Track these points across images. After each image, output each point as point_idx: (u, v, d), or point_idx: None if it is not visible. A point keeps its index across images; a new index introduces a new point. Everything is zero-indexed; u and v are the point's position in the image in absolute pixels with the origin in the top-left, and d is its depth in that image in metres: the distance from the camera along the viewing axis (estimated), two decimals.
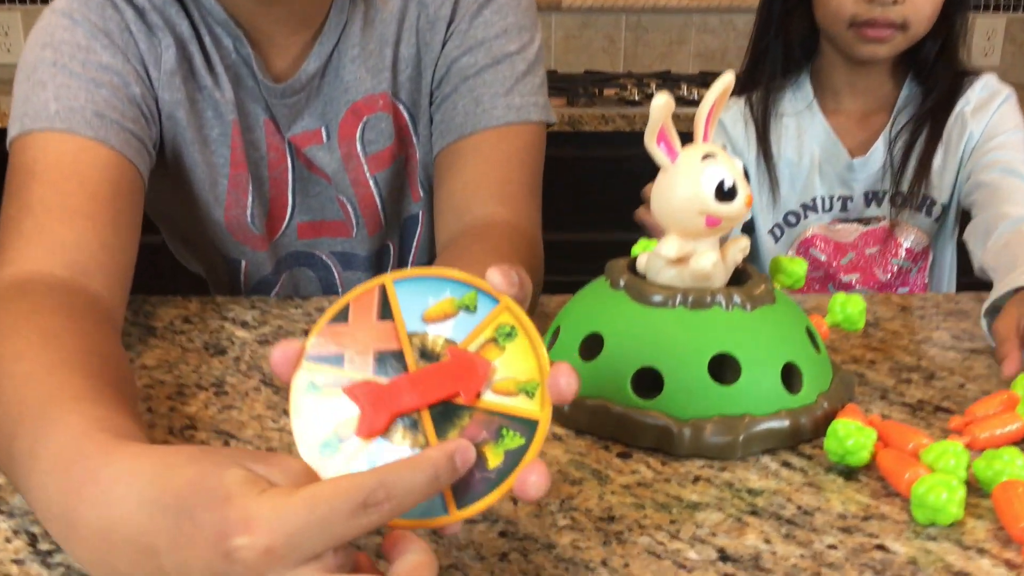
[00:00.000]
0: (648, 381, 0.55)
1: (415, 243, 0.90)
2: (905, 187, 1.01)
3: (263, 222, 0.83)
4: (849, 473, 0.52)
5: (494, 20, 0.79)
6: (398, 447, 0.39)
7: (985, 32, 2.45)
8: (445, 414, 0.39)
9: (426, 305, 0.42)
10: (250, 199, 0.80)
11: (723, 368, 0.55)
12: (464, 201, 0.75)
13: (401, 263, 0.91)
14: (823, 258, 1.06)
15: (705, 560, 0.44)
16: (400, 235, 0.89)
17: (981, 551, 0.45)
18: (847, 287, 1.06)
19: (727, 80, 0.60)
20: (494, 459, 0.38)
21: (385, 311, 0.42)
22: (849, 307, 0.64)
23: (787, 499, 0.49)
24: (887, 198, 1.04)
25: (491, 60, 0.78)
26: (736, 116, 1.08)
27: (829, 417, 0.54)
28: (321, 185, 0.84)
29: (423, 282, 0.42)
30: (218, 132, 0.78)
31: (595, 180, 1.90)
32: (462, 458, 0.37)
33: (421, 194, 0.87)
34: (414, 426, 0.39)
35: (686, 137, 0.57)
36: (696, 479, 0.51)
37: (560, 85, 2.07)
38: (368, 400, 0.39)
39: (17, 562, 0.44)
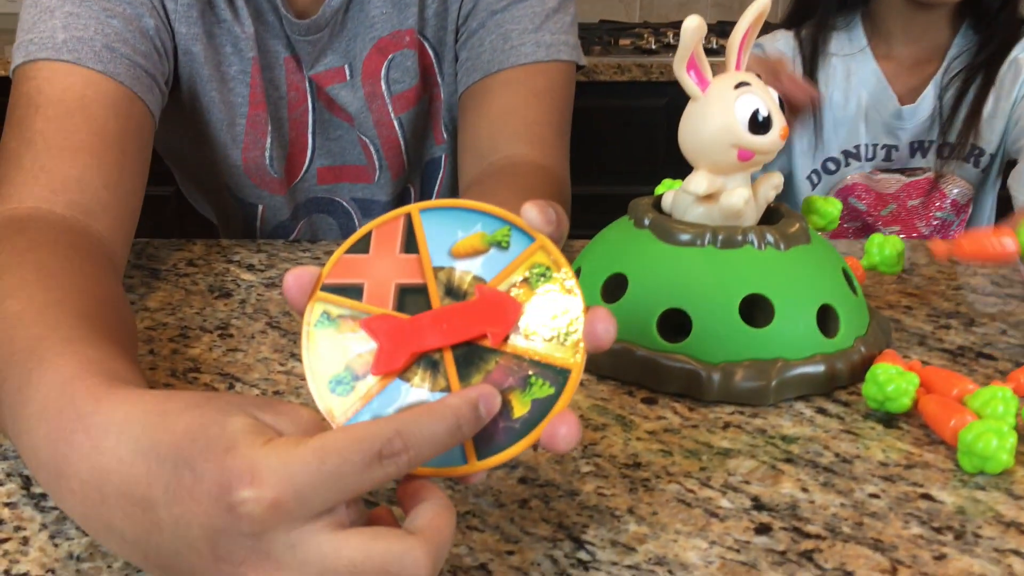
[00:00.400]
0: (674, 324, 0.52)
1: (437, 187, 0.87)
2: (953, 137, 0.97)
3: (282, 165, 0.80)
4: (889, 420, 0.49)
5: None
6: (417, 389, 0.36)
7: None
8: (469, 357, 0.36)
9: (455, 239, 0.38)
10: (269, 140, 0.77)
11: (754, 310, 0.51)
12: (490, 140, 0.72)
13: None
14: (863, 208, 1.03)
15: (738, 508, 0.41)
16: (421, 179, 0.86)
17: None
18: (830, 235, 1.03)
19: (762, 4, 0.56)
20: (520, 408, 0.35)
21: (410, 243, 0.38)
22: (887, 248, 0.61)
23: (824, 446, 0.46)
24: (933, 148, 0.99)
25: None
26: (784, 48, 1.03)
27: (867, 363, 0.51)
28: (343, 128, 0.81)
29: (453, 214, 0.39)
30: (237, 69, 0.74)
31: (611, 131, 1.86)
32: (487, 407, 0.34)
33: (445, 136, 0.84)
34: (435, 367, 0.36)
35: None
36: (726, 425, 0.48)
37: None
38: (387, 335, 0.36)
39: (9, 505, 0.41)
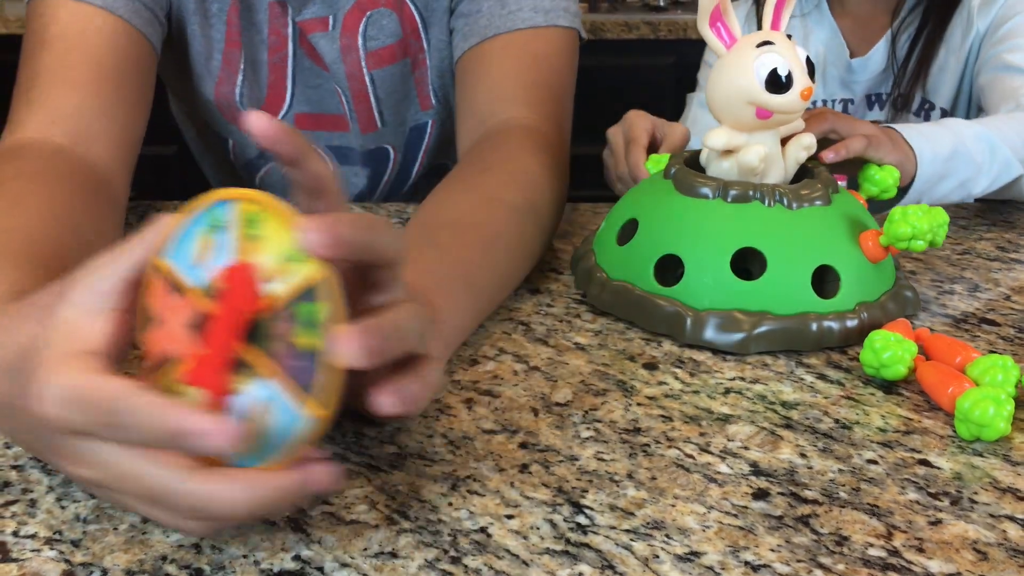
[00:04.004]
0: (676, 270, 0.53)
1: (422, 152, 0.87)
2: (904, 88, 0.97)
3: (254, 105, 0.82)
4: (889, 387, 0.49)
5: None
6: (247, 391, 0.34)
7: None
8: (257, 333, 0.34)
9: (191, 254, 0.36)
10: (240, 78, 0.80)
11: (754, 265, 0.52)
12: (488, 105, 0.72)
13: (404, 170, 0.89)
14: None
15: (737, 474, 0.42)
16: (405, 143, 0.87)
17: None
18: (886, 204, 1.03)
19: None
20: (309, 341, 0.33)
21: (172, 286, 0.36)
22: (880, 175, 0.62)
23: (824, 412, 0.47)
24: (889, 101, 0.99)
25: None
26: (741, 17, 1.04)
27: (868, 328, 0.51)
28: (323, 77, 0.82)
29: (178, 236, 0.36)
30: (217, 7, 0.77)
31: (618, 90, 1.84)
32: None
33: (433, 103, 0.84)
34: (244, 366, 0.34)
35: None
36: (727, 391, 0.49)
37: None
38: (200, 382, 0.34)
39: (16, 468, 0.42)
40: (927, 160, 0.70)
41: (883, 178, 0.64)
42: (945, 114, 0.99)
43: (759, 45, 0.54)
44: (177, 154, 1.87)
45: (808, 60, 0.55)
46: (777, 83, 0.53)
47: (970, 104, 1.00)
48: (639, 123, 0.73)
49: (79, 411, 0.33)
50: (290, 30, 0.79)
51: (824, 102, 1.03)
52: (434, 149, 0.88)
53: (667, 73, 1.76)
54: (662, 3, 1.86)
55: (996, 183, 0.74)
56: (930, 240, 0.53)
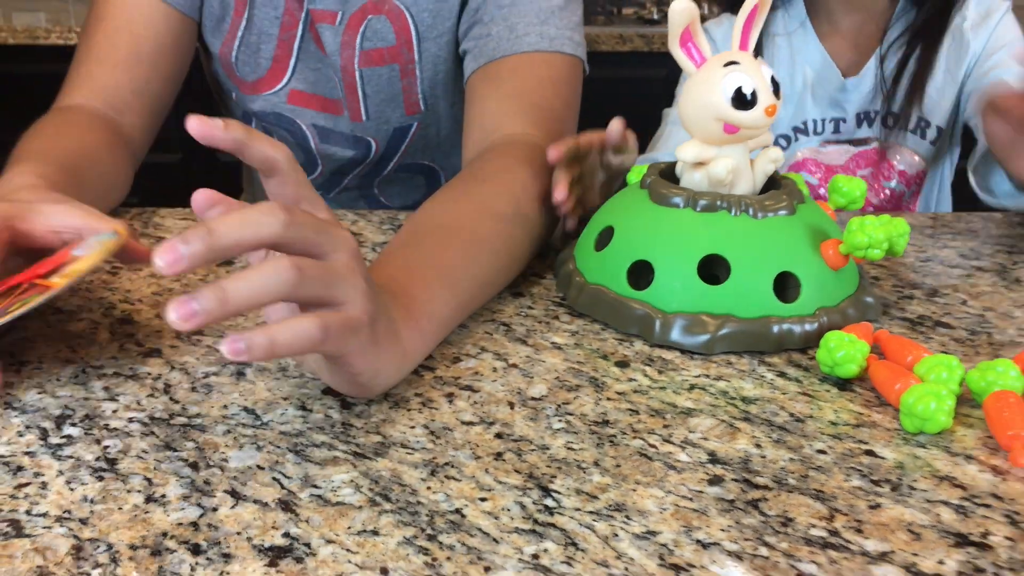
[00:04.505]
0: (648, 275, 0.57)
1: (400, 151, 0.96)
2: (897, 107, 0.99)
3: (250, 69, 0.92)
4: (843, 384, 0.52)
5: None
6: None
7: None
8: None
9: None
10: (237, 43, 0.91)
11: (720, 270, 0.55)
12: (493, 121, 0.77)
13: (382, 162, 0.97)
14: (815, 182, 1.05)
15: (695, 462, 0.45)
16: (387, 140, 0.94)
17: (969, 458, 0.45)
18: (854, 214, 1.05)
19: None
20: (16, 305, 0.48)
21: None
22: (847, 186, 0.65)
23: (780, 407, 0.50)
24: (879, 119, 1.02)
25: None
26: (725, 35, 1.06)
27: (828, 331, 0.55)
28: (324, 63, 0.90)
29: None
30: None
31: (613, 102, 1.88)
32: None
33: (421, 108, 0.91)
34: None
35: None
36: (692, 387, 0.52)
37: None
38: None
39: (29, 454, 0.45)
40: None
41: (851, 190, 0.67)
42: (941, 132, 1.02)
43: (726, 64, 0.58)
44: (181, 161, 1.91)
45: (773, 79, 0.58)
46: (743, 100, 0.57)
47: (958, 121, 1.03)
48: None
49: None
50: (303, 15, 0.88)
51: (816, 121, 1.05)
52: (413, 149, 0.95)
53: (660, 85, 1.80)
54: (655, 16, 1.90)
55: None
56: (887, 249, 0.56)
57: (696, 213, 0.57)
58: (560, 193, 0.64)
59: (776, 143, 1.06)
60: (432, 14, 0.86)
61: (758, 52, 1.03)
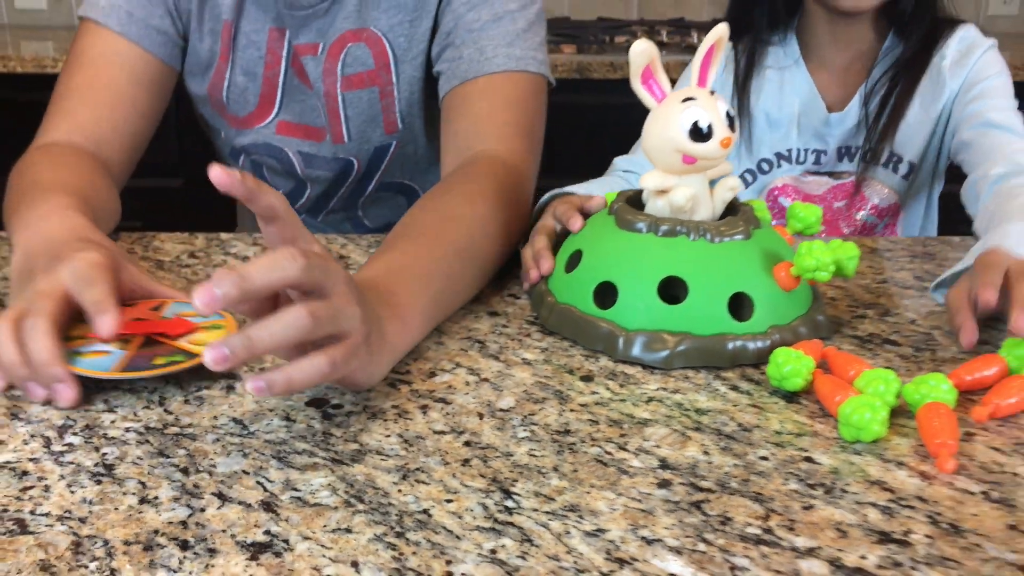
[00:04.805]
0: (613, 295, 0.61)
1: (382, 167, 1.02)
2: (874, 142, 1.02)
3: (240, 106, 0.98)
4: (791, 397, 0.56)
5: None
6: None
7: None
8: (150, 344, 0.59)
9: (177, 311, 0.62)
10: (226, 84, 0.96)
11: (680, 291, 0.59)
12: (466, 140, 0.84)
13: (364, 180, 1.03)
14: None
15: (646, 467, 0.49)
16: (369, 159, 1.00)
17: (900, 464, 0.49)
18: (809, 238, 1.08)
19: (720, 32, 0.64)
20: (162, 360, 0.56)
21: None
22: (803, 212, 0.69)
23: (731, 418, 0.54)
24: (859, 154, 1.05)
25: (493, 16, 0.87)
26: (719, 60, 1.09)
27: (779, 347, 0.59)
28: (307, 94, 0.96)
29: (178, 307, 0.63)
30: (210, 27, 0.94)
31: (604, 127, 1.92)
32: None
33: (399, 127, 0.97)
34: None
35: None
36: (650, 400, 0.56)
37: (572, 32, 2.08)
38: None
39: (33, 460, 0.49)
40: None
41: (807, 216, 0.71)
42: (913, 167, 1.05)
43: (684, 100, 0.62)
44: (183, 187, 1.96)
45: (728, 113, 0.62)
46: (699, 133, 0.61)
47: (939, 157, 1.06)
48: (548, 215, 0.77)
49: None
50: (285, 52, 0.94)
51: (799, 151, 1.09)
52: (393, 167, 1.02)
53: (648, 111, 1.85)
54: None
55: None
56: (834, 271, 0.60)
57: (657, 238, 0.61)
58: (546, 268, 0.69)
59: (759, 166, 1.10)
60: (407, 38, 0.93)
61: (747, 81, 1.08)
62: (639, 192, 0.68)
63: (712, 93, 0.64)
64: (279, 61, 0.95)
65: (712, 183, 0.65)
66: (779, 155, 1.08)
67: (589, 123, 1.86)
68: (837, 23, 1.04)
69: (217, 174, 0.46)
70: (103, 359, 0.56)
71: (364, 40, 0.93)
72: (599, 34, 2.07)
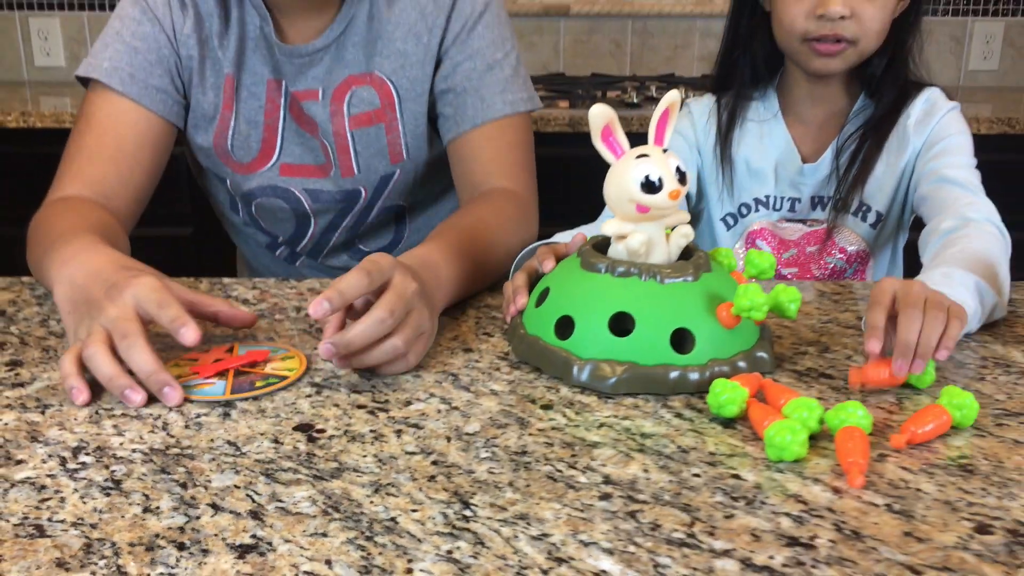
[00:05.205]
0: (572, 328, 0.68)
1: (385, 193, 1.12)
2: (844, 192, 1.09)
3: (244, 153, 1.06)
4: (728, 423, 0.63)
5: (485, 33, 1.02)
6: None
7: (984, 36, 2.52)
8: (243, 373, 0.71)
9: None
10: (231, 133, 1.05)
11: (630, 326, 0.66)
12: (479, 178, 1.02)
13: (370, 208, 1.13)
14: (768, 250, 1.16)
15: (591, 483, 0.55)
16: (374, 187, 1.10)
17: (816, 480, 0.55)
18: (784, 279, 1.15)
19: (671, 98, 0.72)
20: (260, 383, 0.69)
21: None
22: (758, 259, 0.75)
23: (671, 440, 0.60)
24: (831, 203, 1.12)
25: (486, 66, 1.02)
26: (703, 111, 1.17)
27: (717, 378, 0.65)
28: (305, 137, 1.06)
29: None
30: (212, 81, 1.02)
31: (596, 179, 2.00)
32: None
33: (404, 157, 1.08)
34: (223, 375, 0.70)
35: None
36: (601, 425, 0.62)
37: (566, 88, 2.17)
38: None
39: (50, 476, 0.56)
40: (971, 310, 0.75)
41: (760, 263, 0.77)
42: (880, 217, 1.12)
43: (638, 156, 0.69)
44: (192, 235, 2.04)
45: (679, 169, 0.70)
46: (650, 186, 0.68)
47: (903, 209, 1.13)
48: (533, 259, 0.84)
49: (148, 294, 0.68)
50: (283, 100, 1.04)
51: (775, 198, 1.16)
52: (395, 192, 1.12)
53: None
54: (635, 100, 2.04)
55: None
56: (766, 311, 0.66)
57: (613, 278, 0.68)
58: (520, 303, 0.78)
59: (739, 210, 1.17)
60: (410, 80, 1.04)
61: (729, 132, 1.15)
62: (607, 239, 0.75)
63: (665, 151, 0.71)
64: (278, 109, 1.04)
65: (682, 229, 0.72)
66: (757, 201, 1.16)
67: (581, 174, 1.93)
68: (813, 83, 1.12)
69: (315, 309, 0.65)
70: (213, 388, 0.67)
71: (369, 83, 1.03)
72: (592, 89, 2.16)
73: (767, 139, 1.15)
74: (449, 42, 1.03)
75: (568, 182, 1.97)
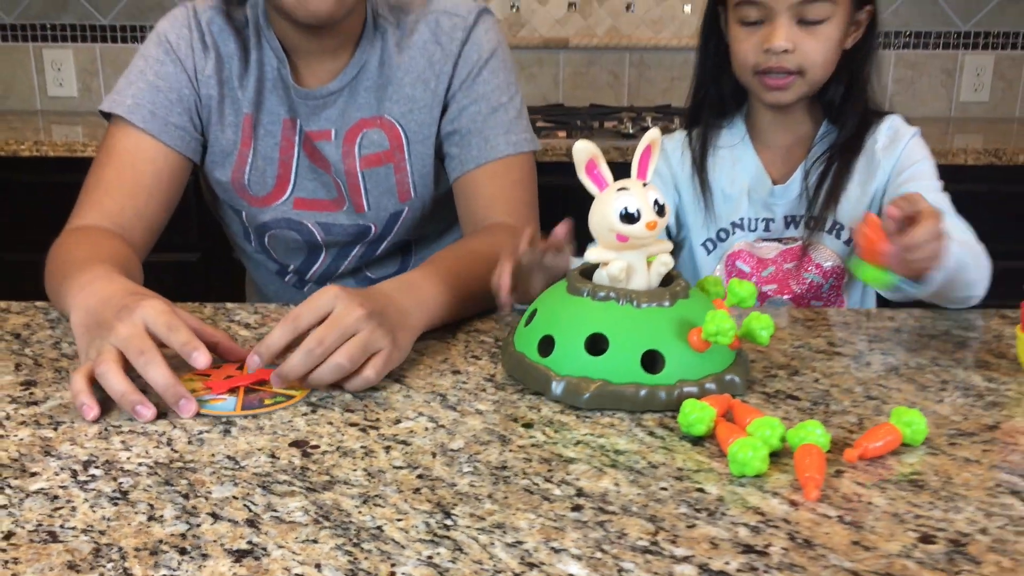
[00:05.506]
0: (552, 346, 0.73)
1: (394, 230, 1.17)
2: (816, 211, 1.15)
3: (260, 187, 1.12)
4: (697, 440, 0.67)
5: (490, 78, 1.09)
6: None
7: (975, 69, 2.57)
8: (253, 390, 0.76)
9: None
10: (248, 168, 1.11)
11: (607, 346, 0.70)
12: (481, 214, 1.08)
13: (379, 241, 1.18)
14: (747, 270, 1.21)
15: (565, 495, 0.59)
16: (384, 223, 1.16)
17: (775, 494, 0.59)
18: (765, 296, 1.20)
19: (652, 136, 0.77)
20: (269, 400, 0.73)
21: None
22: (739, 289, 0.79)
23: (643, 457, 0.64)
24: (803, 221, 1.17)
25: (491, 109, 1.08)
26: (676, 146, 1.24)
27: (687, 398, 0.69)
28: (317, 173, 1.11)
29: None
30: (232, 120, 1.07)
31: (589, 208, 2.05)
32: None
33: (412, 195, 1.13)
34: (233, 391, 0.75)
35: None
36: (578, 442, 0.66)
37: (564, 119, 2.23)
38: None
39: (63, 487, 0.60)
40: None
41: (741, 291, 0.81)
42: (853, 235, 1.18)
43: (619, 189, 0.74)
44: (200, 260, 2.09)
45: (656, 201, 0.74)
46: (629, 217, 0.72)
47: None
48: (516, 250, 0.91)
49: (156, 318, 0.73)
50: (297, 138, 1.10)
51: (750, 219, 1.21)
52: (403, 229, 1.17)
53: None
54: (631, 130, 2.09)
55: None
56: (732, 336, 0.70)
57: (593, 301, 0.73)
58: (503, 280, 0.82)
59: (718, 235, 1.22)
60: (418, 123, 1.10)
61: (703, 160, 1.21)
62: (596, 265, 0.79)
63: (645, 185, 0.76)
64: (292, 147, 1.10)
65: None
66: (734, 224, 1.21)
67: (579, 202, 1.99)
68: (775, 111, 1.18)
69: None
70: (224, 403, 0.73)
71: (379, 126, 1.09)
72: (589, 120, 2.21)
73: (738, 164, 1.21)
74: (456, 88, 1.09)
75: (566, 210, 2.03)
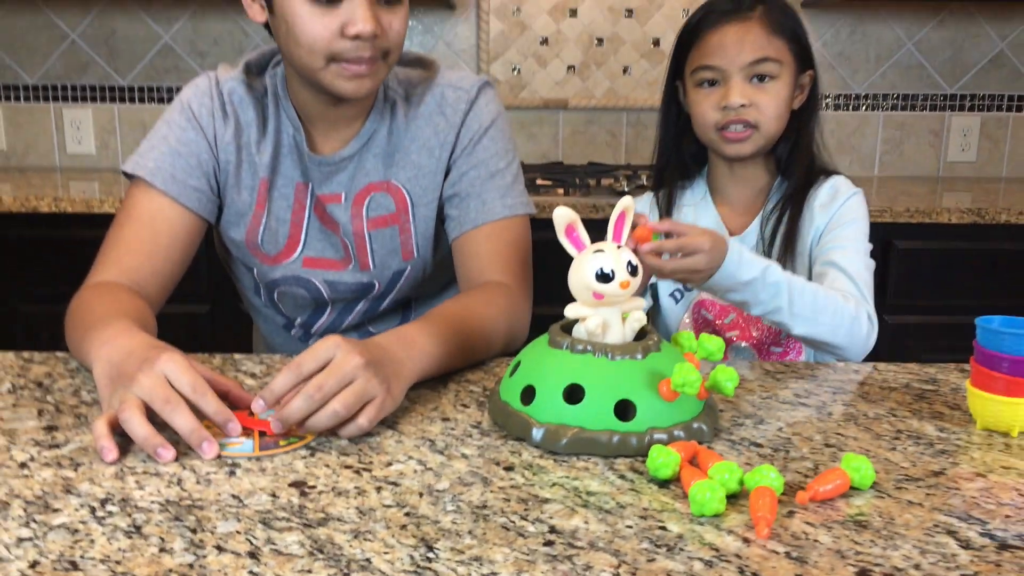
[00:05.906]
0: (534, 395, 0.79)
1: (397, 287, 1.24)
2: (775, 259, 1.23)
3: (272, 246, 1.19)
4: (664, 483, 0.72)
5: (489, 145, 1.17)
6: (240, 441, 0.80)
7: (961, 130, 2.66)
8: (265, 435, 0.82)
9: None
10: (262, 228, 1.19)
11: (580, 396, 0.77)
12: (477, 272, 1.15)
13: (382, 298, 1.25)
14: (711, 317, 1.28)
15: (538, 532, 0.65)
16: (388, 281, 1.23)
17: (730, 532, 0.65)
18: (729, 341, 1.27)
19: (624, 203, 0.84)
20: (284, 442, 0.80)
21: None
22: (708, 343, 0.85)
23: (612, 498, 0.70)
24: None
25: (489, 174, 1.16)
26: (645, 206, 1.35)
27: (655, 444, 0.75)
28: (327, 234, 1.19)
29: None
30: (248, 183, 1.15)
31: None
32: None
33: (415, 255, 1.21)
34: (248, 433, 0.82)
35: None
36: (553, 484, 0.72)
37: (563, 176, 2.31)
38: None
39: (82, 522, 0.66)
40: (728, 268, 1.02)
41: (709, 345, 0.88)
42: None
43: (595, 251, 0.81)
44: (209, 312, 2.16)
45: (630, 263, 0.81)
46: (604, 277, 0.79)
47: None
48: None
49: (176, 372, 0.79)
50: (309, 200, 1.18)
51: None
52: (406, 286, 1.24)
53: None
54: (626, 188, 2.17)
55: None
56: (698, 387, 0.76)
57: (571, 354, 0.79)
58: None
59: (684, 286, 1.30)
60: (423, 188, 1.18)
61: (669, 215, 1.30)
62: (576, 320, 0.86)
63: (619, 247, 0.82)
64: (304, 208, 1.18)
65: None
66: None
67: (571, 259, 2.06)
68: (734, 166, 1.28)
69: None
70: (242, 446, 0.79)
71: (386, 190, 1.18)
72: (587, 178, 2.29)
73: (700, 220, 1.30)
74: (458, 154, 1.17)
75: (564, 265, 2.10)
